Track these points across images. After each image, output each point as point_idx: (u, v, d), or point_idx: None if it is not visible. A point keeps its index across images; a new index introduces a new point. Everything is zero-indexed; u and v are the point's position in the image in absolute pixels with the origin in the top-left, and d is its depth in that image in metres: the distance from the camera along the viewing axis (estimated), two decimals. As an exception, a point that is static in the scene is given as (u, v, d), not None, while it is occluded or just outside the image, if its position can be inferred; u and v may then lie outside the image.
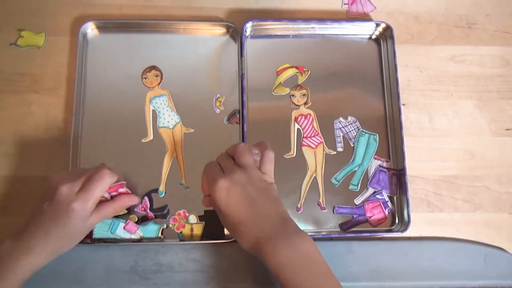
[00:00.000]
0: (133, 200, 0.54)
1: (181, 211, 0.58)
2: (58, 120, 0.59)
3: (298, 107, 0.63)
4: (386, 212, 0.60)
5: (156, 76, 0.62)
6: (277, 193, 0.49)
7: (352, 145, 0.62)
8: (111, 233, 0.55)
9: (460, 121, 0.64)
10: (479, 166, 0.63)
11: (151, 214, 0.57)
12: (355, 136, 0.62)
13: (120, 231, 0.55)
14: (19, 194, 0.57)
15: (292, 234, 0.45)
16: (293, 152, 0.61)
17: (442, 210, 0.61)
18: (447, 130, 0.64)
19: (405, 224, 0.58)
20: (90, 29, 0.62)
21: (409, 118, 0.63)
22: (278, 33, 0.65)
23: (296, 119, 0.62)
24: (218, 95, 0.62)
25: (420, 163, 0.62)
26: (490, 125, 0.64)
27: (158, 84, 0.62)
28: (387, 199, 0.60)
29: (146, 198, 0.58)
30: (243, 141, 0.59)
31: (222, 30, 0.64)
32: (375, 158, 0.62)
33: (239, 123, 0.61)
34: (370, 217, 0.60)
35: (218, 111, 0.61)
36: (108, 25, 0.63)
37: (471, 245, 0.59)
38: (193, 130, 0.61)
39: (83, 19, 0.62)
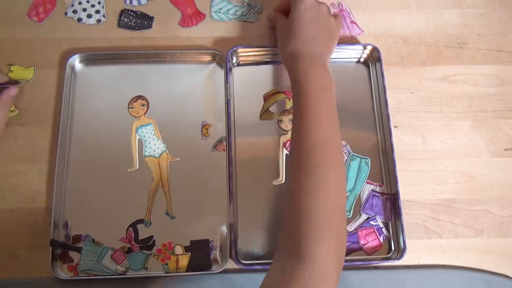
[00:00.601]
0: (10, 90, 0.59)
1: (166, 242, 0.56)
2: (45, 151, 0.59)
3: (286, 132, 0.61)
4: (381, 239, 0.57)
5: (143, 105, 0.62)
6: (337, 37, 0.60)
7: (343, 170, 0.60)
8: (97, 262, 0.54)
9: (455, 142, 0.62)
10: (479, 188, 0.60)
11: (136, 245, 0.56)
12: (346, 160, 0.60)
13: (107, 261, 0.54)
14: (5, 226, 0.56)
15: (324, 71, 0.54)
16: (282, 179, 0.59)
17: (441, 236, 0.58)
18: (442, 152, 0.61)
19: (401, 251, 0.55)
20: (78, 61, 0.63)
21: (401, 140, 0.61)
22: (265, 60, 0.65)
23: (284, 145, 0.61)
24: (204, 123, 0.61)
25: (416, 187, 0.60)
26: (488, 146, 0.62)
27: (145, 113, 0.62)
28: (381, 225, 0.58)
29: (131, 229, 0.56)
30: (229, 168, 0.58)
31: (208, 58, 0.64)
32: (367, 183, 0.59)
33: (226, 150, 0.59)
34: (364, 244, 0.57)
35: (205, 138, 0.60)
36: (95, 57, 0.63)
37: (474, 273, 0.56)
38: (179, 159, 0.60)
39: (71, 53, 0.63)
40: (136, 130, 0.61)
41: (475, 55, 0.66)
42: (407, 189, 0.59)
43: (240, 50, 0.63)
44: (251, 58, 0.64)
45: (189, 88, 0.63)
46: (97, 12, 0.66)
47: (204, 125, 0.61)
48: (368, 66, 0.65)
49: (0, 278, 0.54)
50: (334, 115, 0.52)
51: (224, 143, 0.60)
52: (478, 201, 0.60)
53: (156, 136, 0.61)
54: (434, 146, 0.62)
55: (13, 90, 0.59)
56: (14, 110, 0.61)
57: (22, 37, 0.65)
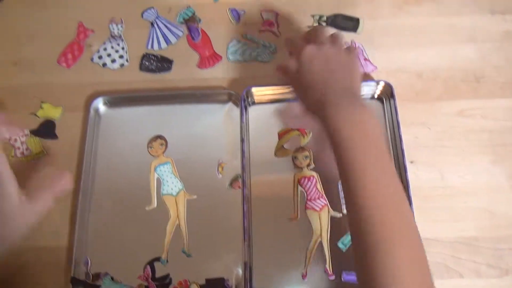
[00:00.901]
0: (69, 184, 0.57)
1: (182, 280, 0.57)
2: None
3: (301, 169, 0.62)
4: (399, 279, 0.56)
5: (161, 144, 0.64)
6: (358, 68, 0.53)
7: (359, 207, 0.59)
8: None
9: (475, 177, 0.60)
10: (502, 225, 0.58)
11: (152, 283, 0.57)
12: (362, 197, 0.60)
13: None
14: (29, 264, 0.59)
15: (356, 106, 0.47)
16: (296, 216, 0.59)
17: (462, 275, 0.56)
18: (462, 187, 0.60)
19: (420, 292, 0.53)
20: (101, 104, 0.66)
21: (418, 176, 0.61)
22: (279, 98, 0.66)
23: (299, 181, 0.61)
24: (220, 161, 0.62)
25: (435, 224, 0.58)
26: (509, 181, 0.60)
27: (163, 152, 0.64)
28: (399, 264, 0.56)
29: (148, 267, 0.58)
30: (244, 206, 0.59)
31: (224, 97, 0.66)
32: (384, 220, 0.59)
33: (241, 188, 0.60)
34: (382, 284, 0.55)
35: (220, 176, 0.62)
36: (117, 100, 0.67)
37: (498, 316, 0.53)
38: (195, 197, 0.61)
39: (95, 96, 0.66)
40: (155, 169, 0.63)
41: (493, 89, 0.65)
42: (426, 227, 0.57)
43: (254, 89, 0.65)
44: (265, 97, 0.66)
45: (206, 127, 0.65)
46: (121, 57, 0.70)
47: (220, 163, 0.62)
48: (382, 102, 0.65)
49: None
50: (389, 164, 0.45)
51: (240, 180, 0.61)
52: (502, 239, 0.57)
53: (174, 175, 0.62)
54: (453, 182, 0.61)
55: (69, 183, 0.57)
56: (43, 151, 0.64)
57: (52, 81, 0.69)
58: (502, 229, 0.58)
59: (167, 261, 0.58)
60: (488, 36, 0.69)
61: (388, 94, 0.64)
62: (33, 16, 0.73)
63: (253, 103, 0.66)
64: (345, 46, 0.54)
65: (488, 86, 0.66)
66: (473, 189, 0.60)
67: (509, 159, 0.61)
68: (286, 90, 0.65)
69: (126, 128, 0.65)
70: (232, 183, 0.61)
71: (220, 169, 0.62)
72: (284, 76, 0.56)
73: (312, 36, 0.56)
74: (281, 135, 0.64)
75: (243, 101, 0.64)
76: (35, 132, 0.66)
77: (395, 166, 0.61)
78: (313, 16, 0.72)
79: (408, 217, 0.44)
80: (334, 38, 0.54)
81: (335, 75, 0.51)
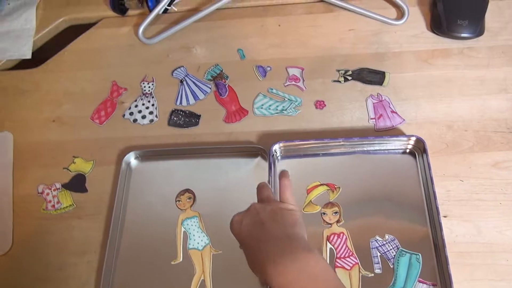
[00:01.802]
0: None
1: None
2: (96, 243, 0.62)
3: (330, 225, 0.60)
4: None
5: (189, 198, 0.64)
6: (297, 217, 0.48)
7: (391, 266, 0.56)
8: None
9: (516, 233, 0.57)
10: (549, 287, 0.54)
11: None
12: (394, 256, 0.57)
13: None
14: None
15: (297, 254, 0.43)
16: (326, 274, 0.57)
17: None
18: (502, 244, 0.57)
19: None
20: (133, 158, 0.68)
21: (453, 231, 0.58)
22: (307, 152, 0.66)
23: (328, 238, 0.59)
24: (247, 215, 0.62)
25: (474, 283, 0.55)
26: (554, 238, 0.56)
27: (191, 206, 0.64)
28: (438, 328, 0.52)
29: (172, 325, 0.56)
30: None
31: (252, 152, 0.67)
32: (419, 281, 0.55)
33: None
34: None
35: (247, 231, 0.61)
36: (148, 154, 0.68)
37: None
38: (221, 252, 0.60)
39: (126, 150, 0.68)
40: (182, 223, 0.63)
41: (527, 140, 0.63)
42: (464, 285, 0.54)
43: (283, 144, 0.65)
44: (293, 152, 0.66)
45: (234, 181, 0.65)
46: (151, 113, 0.72)
47: None
48: (414, 156, 0.64)
49: None
50: None
51: None
52: (550, 301, 0.53)
53: (201, 229, 0.62)
54: (491, 238, 0.57)
55: None
56: (72, 204, 0.66)
57: (85, 138, 0.72)
58: (550, 291, 0.54)
59: (191, 319, 0.56)
60: (518, 87, 0.68)
61: (420, 148, 0.63)
62: (71, 77, 0.78)
63: (282, 157, 0.66)
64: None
65: (522, 137, 0.64)
66: (514, 246, 0.56)
67: (551, 214, 0.58)
68: (314, 144, 0.65)
69: (156, 182, 0.66)
70: None
71: None
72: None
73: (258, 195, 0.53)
74: (309, 190, 0.63)
75: (271, 156, 0.64)
76: (66, 186, 0.67)
77: (431, 224, 0.58)
78: (338, 70, 0.73)
79: None
80: (260, 196, 0.51)
81: (265, 228, 0.46)
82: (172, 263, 0.60)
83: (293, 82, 0.73)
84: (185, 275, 0.59)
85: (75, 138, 0.72)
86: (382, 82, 0.71)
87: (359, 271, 0.57)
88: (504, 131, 0.64)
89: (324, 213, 0.61)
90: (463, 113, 0.67)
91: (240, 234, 0.48)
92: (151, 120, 0.72)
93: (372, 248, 0.58)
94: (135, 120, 0.72)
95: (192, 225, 0.62)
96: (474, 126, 0.65)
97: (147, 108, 0.73)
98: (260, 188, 0.53)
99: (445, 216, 0.59)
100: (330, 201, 0.62)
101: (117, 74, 0.77)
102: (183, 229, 0.62)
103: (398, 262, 0.57)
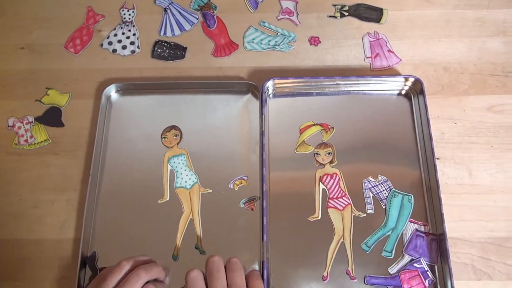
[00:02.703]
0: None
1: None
2: (75, 181, 0.59)
3: (323, 166, 0.59)
4: (427, 284, 0.53)
5: (176, 135, 0.61)
6: None
7: (384, 207, 0.56)
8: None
9: (505, 175, 0.58)
10: (534, 227, 0.55)
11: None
12: (386, 196, 0.57)
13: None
14: (32, 258, 0.55)
15: None
16: (318, 215, 0.56)
17: (492, 278, 0.53)
18: (491, 186, 0.57)
19: (449, 297, 0.51)
20: (113, 91, 0.63)
21: (445, 173, 0.58)
22: (301, 91, 0.63)
23: (321, 179, 0.58)
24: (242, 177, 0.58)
25: (462, 224, 0.55)
26: (542, 181, 0.57)
27: (177, 143, 0.60)
28: (426, 268, 0.53)
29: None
30: (263, 202, 0.55)
31: (243, 89, 0.63)
32: (410, 221, 0.55)
33: (260, 187, 0.57)
34: (408, 288, 0.53)
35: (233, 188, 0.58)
36: (130, 88, 0.63)
37: (532, 322, 0.51)
38: (211, 191, 0.58)
39: (106, 83, 0.63)
40: (168, 161, 0.59)
41: (523, 84, 0.63)
42: (453, 226, 0.55)
43: (276, 81, 0.62)
44: (287, 89, 0.63)
45: (223, 118, 0.62)
46: (132, 43, 0.67)
47: (240, 179, 0.58)
48: (410, 98, 0.62)
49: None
50: None
51: (255, 202, 0.57)
52: (534, 241, 0.55)
53: (188, 167, 0.59)
54: (482, 180, 0.58)
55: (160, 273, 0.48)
56: (48, 139, 0.61)
57: (59, 67, 0.66)
58: (534, 231, 0.55)
59: (179, 257, 0.55)
60: (518, 29, 0.66)
61: (417, 90, 0.61)
62: (41, 0, 0.70)
63: (274, 95, 0.63)
64: None
65: (518, 82, 0.63)
66: (503, 188, 0.57)
67: (540, 158, 0.58)
68: (309, 83, 0.62)
69: (139, 118, 0.62)
70: (246, 202, 0.57)
71: (235, 186, 0.58)
72: None
73: (210, 275, 0.46)
74: (302, 130, 0.61)
75: (263, 93, 0.61)
76: (40, 119, 0.62)
77: (424, 166, 0.58)
78: (334, 5, 0.68)
79: None
80: (232, 280, 0.45)
81: None
82: (159, 202, 0.57)
83: (287, 16, 0.68)
84: (172, 214, 0.57)
85: (48, 67, 0.65)
86: (380, 19, 0.67)
87: (352, 212, 0.56)
88: (500, 74, 0.63)
89: (317, 154, 0.59)
90: (460, 55, 0.65)
91: None
92: (133, 51, 0.66)
93: (365, 189, 0.57)
94: (114, 51, 0.66)
95: (179, 163, 0.59)
96: (470, 68, 0.64)
97: (128, 38, 0.67)
98: (234, 267, 0.46)
99: (438, 159, 0.58)
100: (324, 141, 0.60)
101: (93, -1, 0.70)
102: (169, 167, 0.59)
103: (390, 203, 0.56)
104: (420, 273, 0.53)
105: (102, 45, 0.67)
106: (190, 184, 0.58)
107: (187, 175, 0.58)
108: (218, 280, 0.45)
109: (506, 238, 0.55)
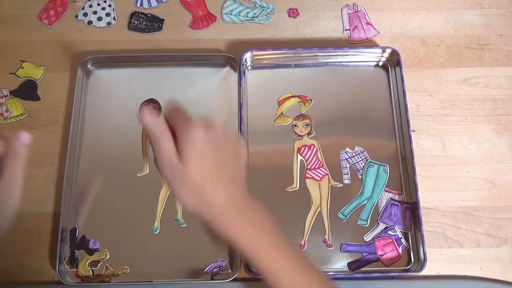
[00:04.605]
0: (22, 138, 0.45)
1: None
2: (53, 155, 0.58)
3: (301, 137, 0.59)
4: (400, 250, 0.55)
5: (154, 108, 0.60)
6: (245, 161, 0.45)
7: (360, 177, 0.58)
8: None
9: (477, 147, 0.59)
10: (502, 196, 0.57)
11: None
12: (363, 167, 0.58)
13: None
14: (11, 231, 0.55)
15: (250, 206, 0.43)
16: (296, 185, 0.57)
17: (462, 245, 0.55)
18: (464, 157, 0.59)
19: (421, 264, 0.53)
20: (90, 64, 0.62)
21: (420, 145, 0.59)
22: (279, 63, 0.63)
23: (299, 150, 0.59)
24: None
25: (436, 194, 0.57)
26: (512, 151, 0.59)
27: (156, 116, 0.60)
28: (400, 235, 0.55)
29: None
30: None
31: (221, 61, 0.63)
32: (385, 191, 0.57)
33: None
34: (382, 255, 0.54)
35: (216, 143, 0.59)
36: (107, 60, 0.62)
37: (497, 284, 0.53)
38: (190, 164, 0.58)
39: (82, 55, 0.62)
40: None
41: (498, 57, 0.63)
42: (426, 196, 0.56)
43: (254, 53, 0.62)
44: (265, 61, 0.63)
45: (201, 91, 0.61)
46: (108, 15, 0.65)
47: None
48: (387, 70, 0.63)
49: (7, 282, 0.54)
50: (302, 256, 0.44)
51: None
52: (502, 208, 0.57)
53: (167, 141, 0.59)
54: (455, 151, 0.59)
55: (25, 137, 0.46)
56: (24, 113, 0.60)
57: (33, 39, 0.64)
58: (503, 199, 0.57)
59: (159, 229, 0.55)
60: (494, 2, 0.66)
61: (394, 62, 0.62)
62: (10, -32, 0.68)
63: (252, 67, 0.63)
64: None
65: (493, 54, 0.64)
66: (475, 159, 0.59)
67: (511, 129, 0.60)
68: (287, 54, 0.62)
69: (116, 91, 0.61)
70: None
71: None
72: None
73: (176, 120, 0.44)
74: (280, 102, 0.61)
75: (241, 65, 0.61)
76: (15, 93, 0.61)
77: (399, 137, 0.59)
78: (313, -24, 0.68)
79: None
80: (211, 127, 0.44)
81: (226, 168, 0.42)
82: (138, 175, 0.57)
83: (266, -13, 0.67)
84: (152, 187, 0.57)
85: (21, 39, 0.64)
86: (359, -9, 0.67)
87: (329, 182, 0.57)
88: (476, 47, 0.64)
89: (295, 125, 0.60)
90: (437, 28, 0.65)
91: (200, 157, 0.41)
92: (109, 23, 0.65)
93: (342, 160, 0.58)
94: (90, 22, 0.65)
95: (158, 136, 0.59)
96: (447, 41, 0.64)
97: (103, 9, 0.65)
98: (182, 115, 0.44)
99: (413, 131, 0.59)
100: (302, 113, 0.61)
101: (66, -32, 0.68)
102: (148, 140, 0.59)
103: (366, 173, 0.58)
104: (394, 240, 0.55)
105: (77, 16, 0.65)
106: (169, 157, 0.58)
107: (166, 148, 0.59)
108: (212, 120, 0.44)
109: (476, 207, 0.57)
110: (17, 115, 0.60)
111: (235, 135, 0.47)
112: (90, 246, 0.54)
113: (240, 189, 0.44)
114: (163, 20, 0.65)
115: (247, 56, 0.61)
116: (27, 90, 0.61)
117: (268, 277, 0.41)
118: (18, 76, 0.62)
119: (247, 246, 0.42)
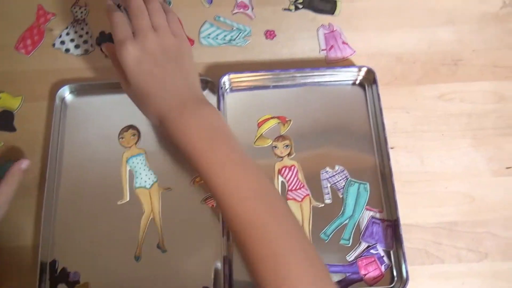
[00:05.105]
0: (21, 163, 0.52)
1: (159, 278, 0.54)
2: (31, 186, 0.58)
3: (281, 158, 0.60)
4: (383, 269, 0.55)
5: (133, 135, 0.61)
6: (191, 58, 0.47)
7: (341, 196, 0.58)
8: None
9: (455, 162, 0.60)
10: (481, 210, 0.58)
11: (127, 282, 0.54)
12: (343, 186, 0.58)
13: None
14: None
15: (199, 106, 0.44)
16: (277, 207, 0.57)
17: (443, 261, 0.55)
18: (442, 172, 0.59)
19: (404, 281, 0.53)
20: (67, 92, 0.62)
21: (398, 161, 0.60)
22: (258, 85, 0.63)
23: (279, 171, 0.59)
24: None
25: (415, 210, 0.58)
26: (489, 165, 0.60)
27: (135, 143, 0.60)
28: (382, 253, 0.55)
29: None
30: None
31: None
32: (366, 209, 0.57)
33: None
34: (365, 275, 0.54)
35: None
36: (85, 88, 0.62)
37: (480, 300, 0.54)
38: (171, 189, 0.58)
39: (59, 84, 0.62)
40: (127, 161, 0.59)
41: (471, 72, 0.65)
42: (406, 213, 0.57)
43: (232, 76, 0.62)
44: (243, 84, 0.63)
45: (179, 116, 0.62)
46: (85, 42, 0.65)
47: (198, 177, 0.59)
48: (364, 88, 0.63)
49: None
50: (248, 158, 0.45)
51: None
52: (481, 223, 0.57)
53: (147, 167, 0.59)
54: (433, 167, 0.60)
55: (24, 163, 0.54)
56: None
57: (11, 69, 0.64)
58: (482, 213, 0.58)
59: (141, 257, 0.55)
60: (466, 18, 0.68)
61: (370, 80, 0.63)
62: (-14, -2, 0.68)
63: (231, 90, 0.63)
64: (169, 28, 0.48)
65: (467, 69, 0.65)
66: (453, 174, 0.59)
67: (488, 143, 0.61)
68: (266, 76, 0.62)
69: (95, 118, 0.61)
70: (207, 199, 0.58)
71: (195, 183, 0.58)
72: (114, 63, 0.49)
73: (133, 15, 0.47)
74: (260, 123, 0.61)
75: (220, 88, 0.61)
76: (-9, 124, 0.61)
77: (378, 154, 0.59)
78: (289, -2, 0.69)
79: (281, 209, 0.43)
80: (155, 20, 0.47)
81: (168, 76, 0.45)
82: (118, 203, 0.57)
83: (242, 10, 0.68)
84: (133, 215, 0.57)
85: (-2, 70, 0.64)
86: (334, 11, 0.68)
87: (310, 202, 0.57)
88: (450, 63, 0.65)
89: (275, 147, 0.60)
90: (412, 45, 0.66)
91: (136, 77, 0.44)
92: (86, 50, 0.65)
93: (323, 180, 0.59)
94: (67, 50, 0.65)
95: (138, 163, 0.59)
96: (422, 58, 0.66)
97: (81, 36, 0.66)
98: (156, 8, 0.49)
99: (392, 148, 0.60)
100: (281, 134, 0.61)
101: (43, -3, 0.68)
102: (128, 168, 0.59)
103: (347, 192, 0.58)
104: (376, 258, 0.55)
105: (54, 45, 0.65)
106: (149, 184, 0.58)
107: (146, 175, 0.58)
108: (144, 21, 0.46)
109: (455, 222, 0.57)
110: (-6, 146, 0.59)
111: (175, 32, 0.49)
112: (70, 279, 0.53)
113: (191, 89, 0.45)
114: (140, 45, 0.65)
115: (225, 79, 0.62)
116: (3, 121, 0.61)
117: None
118: (-6, 108, 0.61)
119: (192, 153, 0.42)
